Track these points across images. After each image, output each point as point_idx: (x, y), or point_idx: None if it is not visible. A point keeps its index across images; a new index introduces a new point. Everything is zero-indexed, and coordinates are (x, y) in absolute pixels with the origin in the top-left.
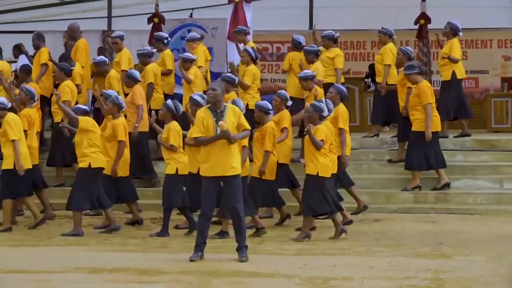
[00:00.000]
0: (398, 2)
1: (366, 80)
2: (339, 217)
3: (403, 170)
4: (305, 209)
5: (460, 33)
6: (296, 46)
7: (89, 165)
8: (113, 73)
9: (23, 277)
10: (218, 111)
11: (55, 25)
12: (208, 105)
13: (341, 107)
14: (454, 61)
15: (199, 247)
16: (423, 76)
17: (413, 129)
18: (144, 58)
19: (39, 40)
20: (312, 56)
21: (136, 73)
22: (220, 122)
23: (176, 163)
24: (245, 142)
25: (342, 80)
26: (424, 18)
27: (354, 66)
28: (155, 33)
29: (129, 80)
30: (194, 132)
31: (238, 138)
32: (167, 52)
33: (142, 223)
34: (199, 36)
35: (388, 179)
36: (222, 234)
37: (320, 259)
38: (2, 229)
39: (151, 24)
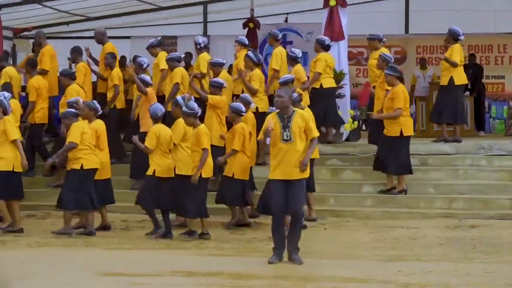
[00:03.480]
0: (496, 6)
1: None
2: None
3: (502, 175)
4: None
5: (461, 37)
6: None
7: (81, 166)
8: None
9: (119, 279)
10: (285, 116)
11: (151, 31)
12: (277, 111)
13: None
14: (453, 64)
15: (278, 249)
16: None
17: (385, 132)
18: (173, 63)
19: (75, 53)
20: (291, 61)
21: (147, 77)
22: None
23: (155, 165)
24: (206, 144)
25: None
26: None
27: None
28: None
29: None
30: (259, 135)
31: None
32: (203, 55)
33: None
34: (246, 43)
35: (485, 185)
36: (191, 234)
37: (415, 265)
38: (13, 230)
39: (247, 29)
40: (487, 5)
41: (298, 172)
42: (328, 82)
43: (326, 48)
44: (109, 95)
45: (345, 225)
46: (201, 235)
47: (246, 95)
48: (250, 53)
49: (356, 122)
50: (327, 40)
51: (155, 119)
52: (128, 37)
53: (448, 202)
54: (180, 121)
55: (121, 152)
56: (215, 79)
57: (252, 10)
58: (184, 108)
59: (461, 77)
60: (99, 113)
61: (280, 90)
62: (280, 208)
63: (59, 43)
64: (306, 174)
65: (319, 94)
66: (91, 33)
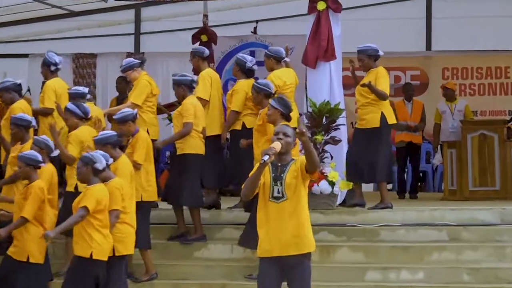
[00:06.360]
0: None
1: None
2: None
3: None
4: None
5: (381, 53)
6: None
7: None
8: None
9: None
10: (279, 165)
11: (59, 46)
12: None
13: None
14: (381, 95)
15: None
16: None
17: None
18: (9, 94)
19: None
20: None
21: None
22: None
23: None
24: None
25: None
26: None
27: (491, 102)
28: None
29: None
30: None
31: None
32: (54, 82)
33: None
34: (139, 62)
35: None
36: None
37: None
38: None
39: (197, 43)
40: None
41: (298, 245)
42: (251, 121)
43: (248, 72)
44: None
45: None
46: None
47: (42, 137)
48: (70, 105)
49: None
50: (249, 61)
51: None
52: (26, 55)
53: None
54: None
55: None
56: (18, 114)
57: (205, 16)
58: None
59: (392, 115)
60: None
61: (283, 126)
62: None
63: None
64: (308, 248)
65: (242, 137)
66: None
